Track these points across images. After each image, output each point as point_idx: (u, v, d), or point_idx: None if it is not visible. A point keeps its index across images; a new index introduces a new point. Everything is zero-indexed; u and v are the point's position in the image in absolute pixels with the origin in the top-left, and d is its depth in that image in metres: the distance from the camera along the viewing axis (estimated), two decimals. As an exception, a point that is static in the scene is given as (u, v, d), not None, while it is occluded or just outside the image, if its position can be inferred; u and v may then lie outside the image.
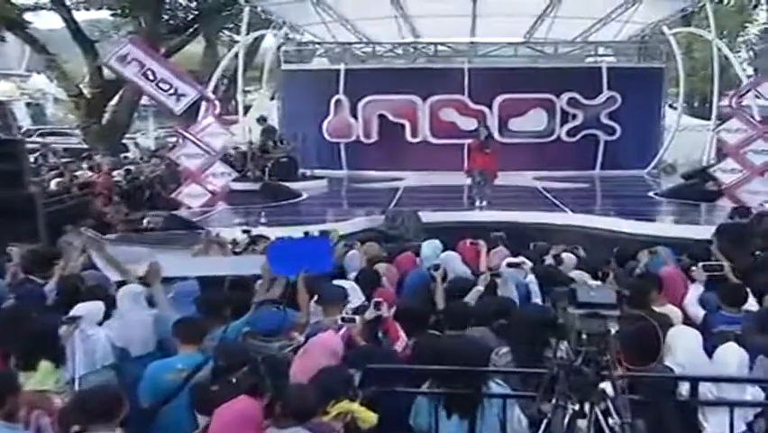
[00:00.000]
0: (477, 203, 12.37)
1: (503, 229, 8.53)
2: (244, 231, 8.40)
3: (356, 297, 4.87)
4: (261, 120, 16.78)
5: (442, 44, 19.95)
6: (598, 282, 5.52)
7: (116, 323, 4.41)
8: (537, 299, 5.28)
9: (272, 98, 21.94)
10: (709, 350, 3.99)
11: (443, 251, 6.58)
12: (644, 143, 18.44)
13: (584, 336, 2.70)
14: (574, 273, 6.04)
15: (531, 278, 5.50)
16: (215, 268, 5.48)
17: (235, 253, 7.04)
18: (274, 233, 8.71)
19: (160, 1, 23.92)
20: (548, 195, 14.03)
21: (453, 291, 5.19)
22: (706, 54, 24.34)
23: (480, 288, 5.10)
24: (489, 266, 5.94)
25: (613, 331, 2.68)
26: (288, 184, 14.89)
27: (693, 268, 5.49)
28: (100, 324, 4.31)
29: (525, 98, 18.18)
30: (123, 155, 22.02)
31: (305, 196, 14.43)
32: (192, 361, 3.82)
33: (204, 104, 13.66)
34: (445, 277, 5.54)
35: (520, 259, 5.84)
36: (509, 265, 5.65)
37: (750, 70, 27.87)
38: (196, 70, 25.62)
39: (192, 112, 13.69)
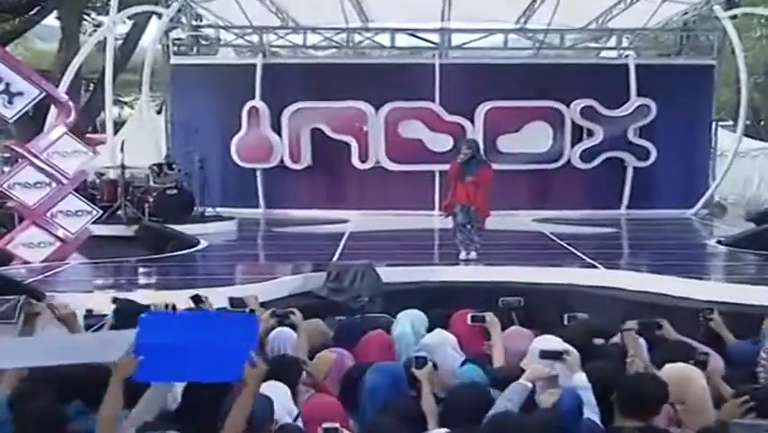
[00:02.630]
0: (462, 254, 11.91)
1: (505, 293, 8.04)
2: (115, 300, 7.60)
3: (286, 411, 4.45)
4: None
5: (403, 31, 20.20)
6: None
7: None
8: (593, 415, 4.45)
9: (159, 111, 22.17)
10: None
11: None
12: (689, 172, 18.70)
13: None
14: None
15: (580, 377, 4.65)
16: (54, 354, 4.59)
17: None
18: (154, 299, 7.92)
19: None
20: (562, 242, 13.96)
21: (456, 405, 4.55)
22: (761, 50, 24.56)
23: (512, 398, 4.45)
24: (507, 357, 5.58)
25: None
26: (178, 227, 14.67)
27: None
28: None
29: (520, 107, 18.37)
30: None
31: (203, 244, 14.07)
32: None
33: (53, 110, 13.51)
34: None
35: (560, 344, 5.06)
36: (544, 355, 4.82)
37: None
38: (49, 71, 24.75)
39: (36, 123, 13.12)
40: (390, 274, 10.79)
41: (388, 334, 6.20)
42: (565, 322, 6.76)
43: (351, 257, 12.08)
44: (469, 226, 11.96)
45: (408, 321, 6.26)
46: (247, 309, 6.65)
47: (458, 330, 6.07)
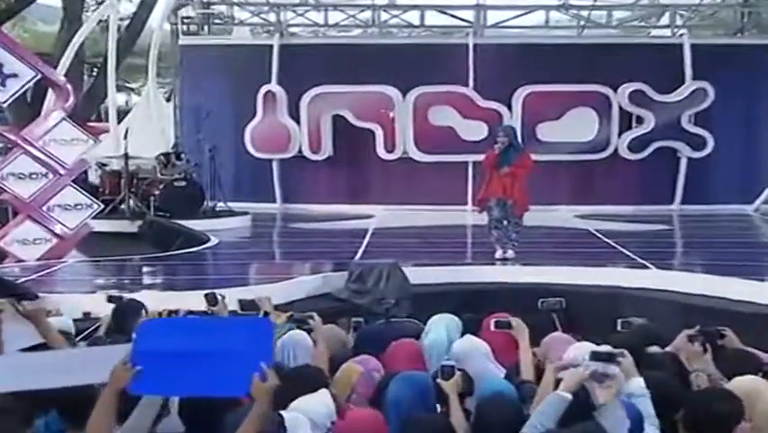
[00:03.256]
0: (498, 253, 11.98)
1: (546, 295, 8.00)
2: (111, 298, 7.79)
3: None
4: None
5: (434, 8, 20.09)
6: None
7: None
8: (652, 429, 4.28)
9: (169, 98, 22.26)
10: None
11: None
12: (749, 163, 18.53)
13: None
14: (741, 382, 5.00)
15: (638, 386, 4.48)
16: (31, 376, 4.48)
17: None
18: (158, 301, 8.30)
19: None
20: (608, 240, 13.96)
21: (486, 420, 4.46)
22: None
23: (547, 411, 4.23)
24: (540, 364, 5.33)
25: None
26: (186, 223, 14.74)
27: None
28: None
29: (562, 92, 18.27)
30: None
31: (214, 241, 14.14)
32: None
33: (51, 93, 13.56)
34: (468, 388, 4.82)
35: (611, 349, 4.78)
36: (596, 357, 4.63)
37: None
38: (49, 54, 24.86)
39: (33, 109, 13.65)
40: (418, 275, 10.84)
41: (417, 341, 6.03)
42: (619, 328, 6.69)
43: (375, 256, 12.14)
44: (505, 222, 11.94)
45: (443, 327, 6.02)
46: (259, 313, 6.59)
47: (490, 336, 5.91)
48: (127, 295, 8.46)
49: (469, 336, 5.73)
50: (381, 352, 5.73)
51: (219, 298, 6.97)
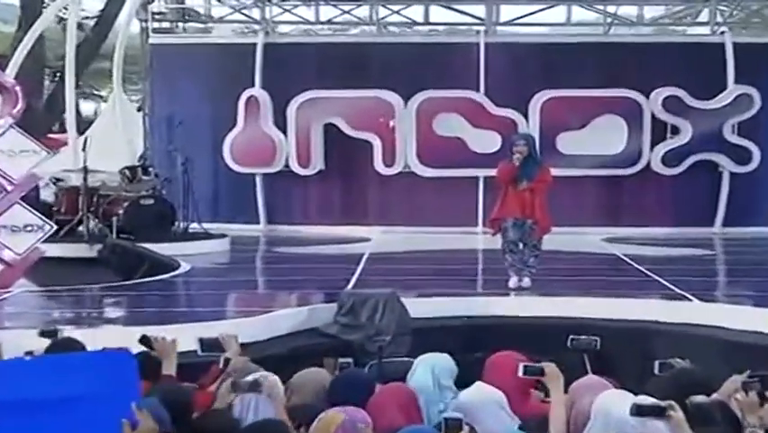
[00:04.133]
0: (512, 281, 11.93)
1: (568, 331, 7.80)
2: (44, 333, 7.42)
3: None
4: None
5: (439, 3, 20.35)
6: None
7: None
8: None
9: (140, 108, 22.38)
10: None
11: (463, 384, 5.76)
12: None
13: None
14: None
15: None
16: None
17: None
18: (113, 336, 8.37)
19: None
20: (640, 268, 13.84)
21: None
22: None
23: None
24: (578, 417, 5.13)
25: None
26: (154, 247, 14.66)
27: None
28: None
29: (586, 98, 18.32)
30: None
31: (185, 268, 14.11)
32: None
33: None
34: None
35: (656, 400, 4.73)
36: (640, 412, 4.53)
37: None
38: (3, 55, 25.13)
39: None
40: (420, 307, 10.84)
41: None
42: (656, 371, 6.44)
43: (370, 285, 12.09)
44: (522, 246, 11.86)
45: (428, 368, 5.89)
46: (222, 356, 6.34)
47: (496, 380, 5.71)
48: (82, 331, 8.34)
49: (479, 384, 5.55)
50: (363, 399, 5.51)
51: (156, 339, 6.63)
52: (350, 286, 12.06)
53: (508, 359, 5.87)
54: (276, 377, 5.62)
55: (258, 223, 18.86)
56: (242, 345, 7.27)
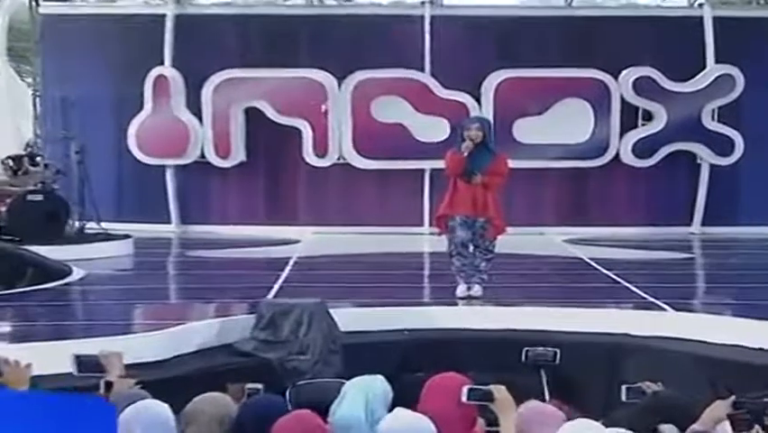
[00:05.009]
0: (460, 289, 11.99)
1: (523, 345, 8.11)
2: None
3: None
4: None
5: None
6: None
7: None
8: None
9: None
10: None
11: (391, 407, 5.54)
12: None
13: None
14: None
15: None
16: None
17: None
18: None
19: None
20: (608, 273, 14.05)
21: None
22: None
23: None
24: None
25: None
26: (42, 250, 14.61)
27: None
28: None
29: (547, 78, 18.64)
30: None
31: (78, 274, 14.07)
32: None
33: None
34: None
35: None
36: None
37: None
38: None
39: None
40: (353, 319, 10.91)
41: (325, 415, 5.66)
42: (622, 397, 6.38)
43: (295, 293, 12.08)
44: (472, 248, 11.90)
45: (360, 396, 5.58)
46: (103, 378, 6.06)
47: (434, 407, 5.44)
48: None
49: (402, 411, 5.25)
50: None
51: (7, 361, 6.39)
52: (270, 295, 12.06)
53: (451, 381, 5.63)
54: (164, 406, 5.33)
55: (168, 222, 18.98)
56: (142, 364, 7.50)
